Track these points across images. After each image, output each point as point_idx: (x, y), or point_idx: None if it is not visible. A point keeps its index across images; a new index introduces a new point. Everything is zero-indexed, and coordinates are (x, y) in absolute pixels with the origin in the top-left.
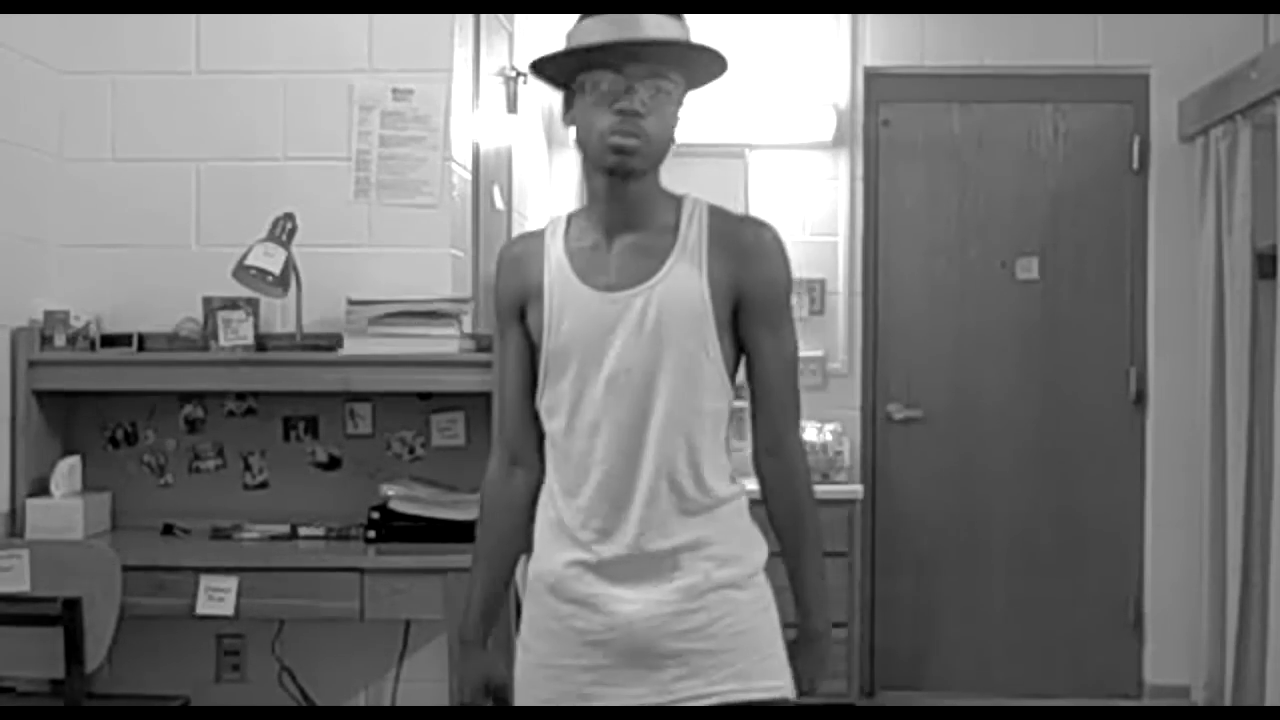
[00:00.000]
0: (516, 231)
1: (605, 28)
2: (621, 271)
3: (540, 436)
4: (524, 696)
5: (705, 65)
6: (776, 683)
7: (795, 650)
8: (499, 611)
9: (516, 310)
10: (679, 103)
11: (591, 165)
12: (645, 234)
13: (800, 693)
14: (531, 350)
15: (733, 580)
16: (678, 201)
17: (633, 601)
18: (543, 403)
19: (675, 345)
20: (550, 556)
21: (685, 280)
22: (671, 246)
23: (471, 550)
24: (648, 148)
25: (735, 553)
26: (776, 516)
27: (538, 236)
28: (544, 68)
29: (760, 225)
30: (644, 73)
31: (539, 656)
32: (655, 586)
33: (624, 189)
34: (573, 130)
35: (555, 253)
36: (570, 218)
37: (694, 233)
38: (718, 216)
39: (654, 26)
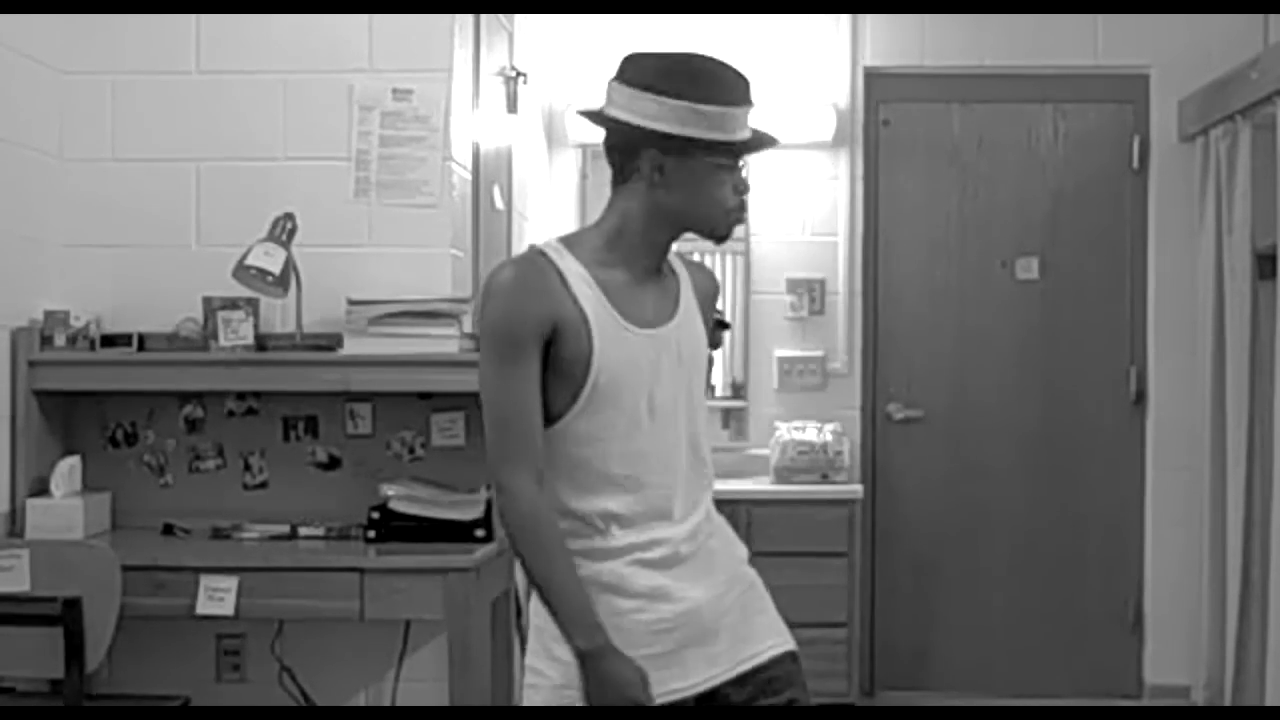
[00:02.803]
0: (517, 231)
1: (743, 122)
2: (654, 310)
3: None
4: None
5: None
6: (788, 636)
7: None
8: None
9: (542, 336)
10: None
11: (681, 224)
12: (663, 278)
13: None
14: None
15: (744, 558)
16: None
17: (695, 587)
18: (573, 428)
19: (695, 376)
20: (596, 562)
21: (696, 319)
22: (678, 290)
23: (539, 569)
24: None
25: (736, 538)
26: None
27: (542, 264)
28: (669, 137)
29: (712, 272)
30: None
31: None
32: (709, 574)
33: (671, 245)
34: (651, 175)
35: (581, 285)
36: (568, 245)
37: (685, 277)
38: (680, 261)
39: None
